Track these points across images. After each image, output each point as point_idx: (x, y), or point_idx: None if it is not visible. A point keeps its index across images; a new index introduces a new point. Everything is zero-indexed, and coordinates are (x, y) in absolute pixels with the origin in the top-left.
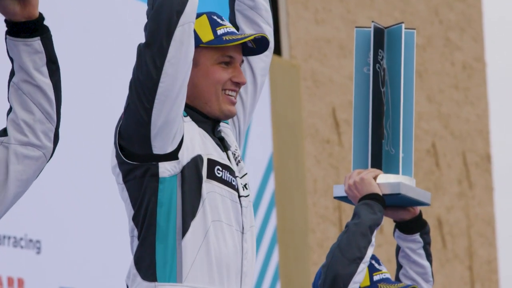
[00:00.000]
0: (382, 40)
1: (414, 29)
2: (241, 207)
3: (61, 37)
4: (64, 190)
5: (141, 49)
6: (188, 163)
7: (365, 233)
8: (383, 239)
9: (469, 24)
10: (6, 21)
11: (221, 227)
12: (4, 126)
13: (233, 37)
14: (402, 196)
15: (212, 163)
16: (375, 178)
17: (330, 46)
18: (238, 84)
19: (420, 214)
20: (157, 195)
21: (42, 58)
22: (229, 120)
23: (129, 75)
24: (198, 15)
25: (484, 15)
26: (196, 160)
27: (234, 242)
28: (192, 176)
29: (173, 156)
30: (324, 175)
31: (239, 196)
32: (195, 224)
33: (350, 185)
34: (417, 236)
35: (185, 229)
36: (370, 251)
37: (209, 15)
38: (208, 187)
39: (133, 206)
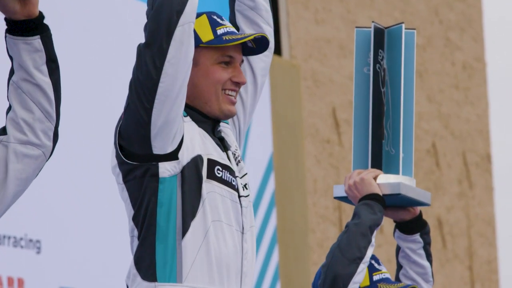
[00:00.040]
0: (382, 40)
1: (414, 29)
2: (241, 207)
3: (61, 37)
4: (64, 190)
5: (141, 49)
6: (188, 163)
7: (365, 233)
8: (383, 239)
9: (469, 24)
10: (6, 19)
11: (221, 227)
12: (3, 125)
13: (233, 37)
14: (402, 196)
15: (212, 163)
16: (375, 178)
17: (330, 46)
18: (238, 84)
19: (420, 214)
20: (157, 195)
21: (42, 57)
22: (229, 120)
23: (129, 75)
24: (198, 15)
25: (484, 15)
26: (196, 160)
27: (234, 242)
28: (192, 176)
29: (173, 156)
30: (324, 175)
31: (239, 196)
32: (195, 224)
33: (350, 185)
34: (417, 237)
35: (185, 229)
36: (370, 251)
37: (209, 14)
38: (208, 187)
39: (133, 206)
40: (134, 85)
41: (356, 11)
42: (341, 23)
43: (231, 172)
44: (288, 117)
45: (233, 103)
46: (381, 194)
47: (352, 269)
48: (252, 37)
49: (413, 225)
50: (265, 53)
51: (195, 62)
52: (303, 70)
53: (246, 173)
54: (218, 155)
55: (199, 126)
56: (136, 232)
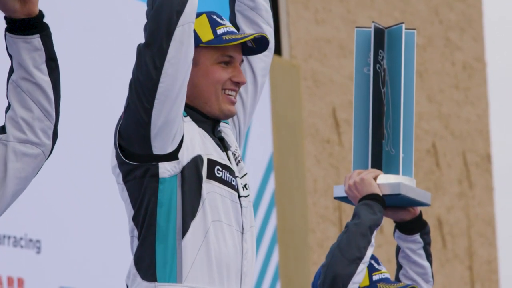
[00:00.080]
0: (382, 40)
1: (415, 29)
2: (241, 207)
3: (61, 37)
4: (64, 189)
5: (141, 49)
6: (188, 163)
7: (365, 233)
8: (383, 239)
9: (469, 24)
10: (6, 18)
11: (221, 227)
12: (2, 124)
13: (233, 37)
14: (402, 196)
15: (212, 163)
16: (375, 178)
17: (330, 46)
18: (238, 84)
19: (420, 214)
20: (157, 195)
21: (41, 56)
22: (229, 120)
23: (129, 75)
24: (198, 15)
25: (484, 15)
26: (196, 160)
27: (234, 242)
28: (192, 176)
29: (173, 156)
30: (324, 175)
31: (239, 196)
32: (195, 224)
33: (350, 186)
34: (417, 237)
35: (185, 229)
36: (369, 252)
37: (209, 14)
38: (208, 187)
39: (133, 206)
40: (134, 85)
41: (356, 11)
42: (341, 23)
43: (231, 172)
44: (288, 117)
45: (233, 103)
46: (381, 194)
47: (351, 269)
48: (252, 37)
49: (413, 225)
50: (265, 53)
51: (195, 62)
52: (303, 70)
53: (246, 173)
54: (218, 155)
55: (199, 126)
56: (136, 232)
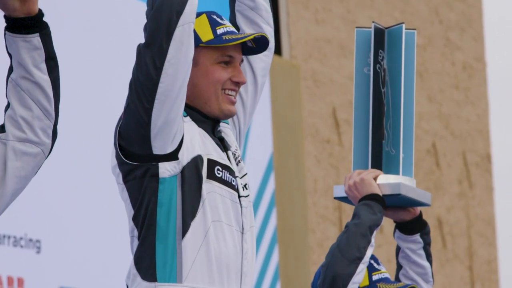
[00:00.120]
0: (382, 40)
1: (415, 29)
2: (241, 207)
3: (61, 37)
4: (64, 189)
5: (141, 49)
6: (188, 163)
7: (365, 233)
8: (383, 239)
9: (469, 24)
10: (5, 16)
11: (221, 227)
12: (2, 123)
13: (233, 37)
14: (402, 196)
15: (212, 163)
16: (375, 178)
17: (330, 46)
18: (237, 84)
19: (420, 214)
20: (157, 195)
21: (41, 55)
22: (229, 120)
23: (129, 75)
24: (198, 15)
25: (484, 15)
26: (196, 160)
27: (234, 242)
28: (192, 176)
29: (173, 156)
30: (324, 175)
31: (239, 196)
32: (195, 224)
33: (350, 186)
34: (417, 237)
35: (185, 229)
36: (369, 252)
37: (209, 14)
38: (208, 187)
39: (133, 206)
40: (134, 85)
41: (356, 11)
42: (341, 23)
43: (231, 172)
44: (288, 117)
45: (233, 103)
46: (381, 194)
47: (351, 269)
48: (252, 37)
49: (413, 226)
50: (265, 53)
51: (195, 62)
52: (303, 70)
53: (246, 173)
54: (218, 155)
55: (199, 126)
56: (136, 232)
